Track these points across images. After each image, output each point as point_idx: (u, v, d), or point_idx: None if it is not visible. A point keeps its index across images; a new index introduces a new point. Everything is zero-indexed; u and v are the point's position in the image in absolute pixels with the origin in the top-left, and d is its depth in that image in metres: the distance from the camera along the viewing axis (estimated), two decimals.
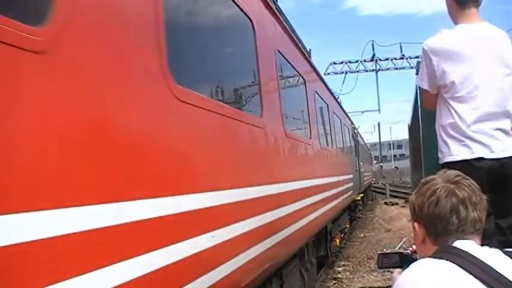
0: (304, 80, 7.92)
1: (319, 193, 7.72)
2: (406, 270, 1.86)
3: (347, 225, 15.08)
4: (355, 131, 21.61)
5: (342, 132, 14.29)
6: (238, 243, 3.59)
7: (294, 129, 6.44)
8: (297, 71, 7.15)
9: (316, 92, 9.19)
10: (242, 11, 4.26)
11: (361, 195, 19.75)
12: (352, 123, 20.77)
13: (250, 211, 3.94)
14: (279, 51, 5.74)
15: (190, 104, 2.94)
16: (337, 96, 16.17)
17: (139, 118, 2.42)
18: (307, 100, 8.03)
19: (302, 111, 7.63)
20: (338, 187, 10.76)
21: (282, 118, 5.49)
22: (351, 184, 14.16)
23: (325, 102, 10.70)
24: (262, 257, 4.14)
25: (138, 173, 2.33)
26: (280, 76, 5.74)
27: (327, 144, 10.06)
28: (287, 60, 6.34)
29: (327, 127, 10.79)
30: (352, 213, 17.00)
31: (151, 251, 2.33)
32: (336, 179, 10.53)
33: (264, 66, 4.94)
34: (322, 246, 9.82)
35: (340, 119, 14.28)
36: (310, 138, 7.67)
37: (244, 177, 3.95)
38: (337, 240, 12.06)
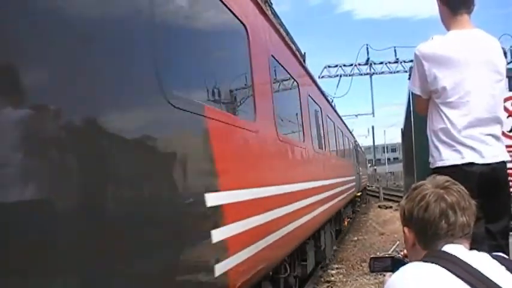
0: (320, 108, 11.16)
1: (338, 187, 12.37)
2: (395, 273, 1.89)
3: (351, 214, 20.67)
4: (356, 143, 28.44)
5: (349, 146, 20.51)
6: (297, 215, 6.20)
7: (328, 149, 11.63)
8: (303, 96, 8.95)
9: (328, 116, 12.85)
10: (236, 17, 4.32)
11: (360, 193, 25.46)
12: (353, 136, 27.30)
13: (304, 195, 6.89)
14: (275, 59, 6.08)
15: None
16: (331, 100, 18.07)
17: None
18: (335, 131, 14.25)
19: (328, 137, 12.10)
20: (347, 184, 15.51)
21: (323, 140, 10.51)
22: (354, 183, 19.02)
23: (340, 129, 16.19)
24: (314, 221, 7.97)
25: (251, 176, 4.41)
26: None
27: (339, 155, 15.13)
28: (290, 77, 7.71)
29: (342, 145, 16.94)
30: (353, 206, 21.99)
31: (253, 216, 4.17)
32: (346, 179, 15.34)
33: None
34: (337, 223, 14.89)
35: (348, 138, 20.30)
36: (337, 154, 14.46)
37: (297, 176, 6.66)
38: (346, 222, 17.55)
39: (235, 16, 4.31)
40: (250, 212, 4.14)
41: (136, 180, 2.49)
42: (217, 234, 3.29)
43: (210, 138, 3.42)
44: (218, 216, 3.37)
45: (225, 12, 4.07)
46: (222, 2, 3.93)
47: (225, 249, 3.44)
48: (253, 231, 4.14)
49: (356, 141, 29.74)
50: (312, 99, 9.86)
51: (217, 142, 3.53)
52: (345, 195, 14.46)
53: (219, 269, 3.30)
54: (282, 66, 6.70)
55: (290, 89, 7.77)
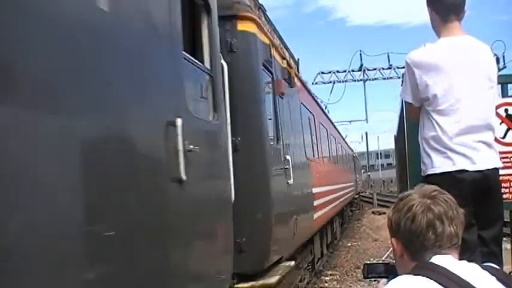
0: (332, 135, 17.44)
1: (345, 189, 18.93)
2: (386, 287, 1.87)
3: (350, 211, 25.41)
4: (354, 156, 32.77)
5: (349, 160, 25.88)
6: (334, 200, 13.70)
7: (339, 163, 18.92)
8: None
9: (335, 138, 18.31)
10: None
11: (356, 195, 29.70)
12: (350, 148, 32.19)
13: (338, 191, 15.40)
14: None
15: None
16: (324, 107, 20.12)
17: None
18: (341, 148, 21.08)
19: (337, 154, 18.46)
20: (350, 188, 21.78)
21: (336, 157, 17.61)
22: (353, 188, 24.87)
23: (341, 145, 21.70)
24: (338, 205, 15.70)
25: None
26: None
27: (344, 166, 21.74)
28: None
29: (346, 159, 23.87)
30: (351, 207, 25.98)
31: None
32: (349, 184, 21.56)
33: None
34: (342, 217, 19.88)
35: (347, 151, 26.32)
36: (343, 165, 20.95)
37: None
38: (350, 213, 25.28)
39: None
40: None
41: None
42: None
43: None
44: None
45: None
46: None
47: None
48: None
49: (353, 151, 34.48)
50: (324, 127, 14.33)
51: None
52: (349, 194, 21.29)
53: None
54: (307, 108, 10.41)
55: (313, 124, 11.58)
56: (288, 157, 6.59)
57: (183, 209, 3.37)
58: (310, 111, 10.73)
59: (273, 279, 5.21)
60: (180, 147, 3.14)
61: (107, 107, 2.55)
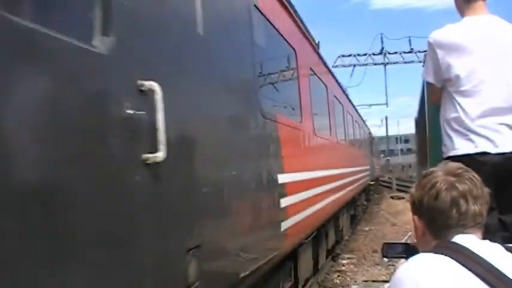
0: (342, 105, 13.63)
1: (358, 173, 16.48)
2: (405, 265, 1.84)
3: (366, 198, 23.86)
4: (371, 136, 31.29)
5: (365, 142, 24.33)
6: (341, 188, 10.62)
7: (349, 140, 15.15)
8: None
9: (349, 112, 15.66)
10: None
11: (373, 182, 27.99)
12: (368, 128, 29.94)
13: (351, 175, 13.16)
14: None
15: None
16: (345, 89, 18.64)
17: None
18: (353, 125, 17.24)
19: (348, 130, 14.92)
20: (363, 172, 18.92)
21: (345, 133, 13.93)
22: (368, 172, 22.22)
23: (357, 122, 19.64)
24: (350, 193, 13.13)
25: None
26: None
27: (355, 146, 18.10)
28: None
29: (359, 136, 20.26)
30: (366, 195, 23.98)
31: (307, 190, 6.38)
32: (361, 168, 18.27)
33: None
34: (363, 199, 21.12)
35: (363, 131, 23.81)
36: (354, 145, 17.29)
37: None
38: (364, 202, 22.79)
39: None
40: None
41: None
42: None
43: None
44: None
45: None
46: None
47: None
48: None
49: (371, 133, 32.32)
50: (337, 98, 12.00)
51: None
52: (362, 180, 18.60)
53: None
54: (317, 75, 8.75)
55: (322, 93, 9.58)
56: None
57: None
58: (322, 82, 9.64)
59: None
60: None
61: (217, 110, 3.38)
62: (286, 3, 6.12)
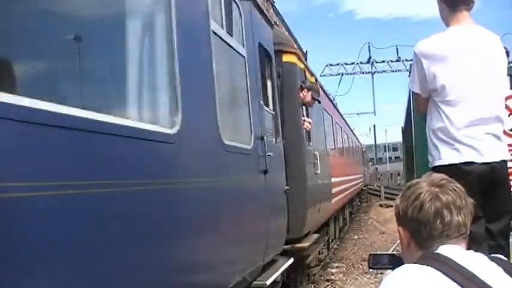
0: (346, 134, 20.41)
1: (356, 179, 21.62)
2: (389, 276, 1.85)
3: (359, 202, 27.59)
4: (362, 148, 33.57)
5: (358, 155, 27.50)
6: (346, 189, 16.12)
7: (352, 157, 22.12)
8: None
9: (348, 136, 21.07)
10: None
11: (364, 187, 31.15)
12: (359, 142, 32.86)
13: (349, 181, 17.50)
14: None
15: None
16: (332, 98, 20.01)
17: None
18: (352, 144, 23.13)
19: (349, 149, 20.78)
20: (359, 179, 23.70)
21: (349, 152, 20.58)
22: (362, 180, 26.57)
23: (352, 140, 23.89)
24: (350, 194, 17.86)
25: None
26: None
27: (355, 159, 23.96)
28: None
29: (356, 152, 25.21)
30: (359, 198, 27.48)
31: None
32: (358, 175, 23.73)
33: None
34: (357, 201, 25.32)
35: (362, 150, 31.27)
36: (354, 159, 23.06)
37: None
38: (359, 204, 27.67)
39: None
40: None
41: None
42: None
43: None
44: None
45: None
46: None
47: None
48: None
49: (362, 146, 35.86)
50: (339, 125, 16.63)
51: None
52: (358, 185, 23.45)
53: None
54: (327, 111, 12.90)
55: (331, 124, 13.91)
56: (316, 153, 8.74)
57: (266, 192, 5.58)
58: (329, 114, 13.39)
59: (306, 244, 7.68)
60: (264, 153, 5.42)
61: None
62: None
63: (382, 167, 72.38)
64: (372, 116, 47.60)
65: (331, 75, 33.94)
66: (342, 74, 33.79)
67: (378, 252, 2.87)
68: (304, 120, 8.03)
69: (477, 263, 1.79)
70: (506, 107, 5.02)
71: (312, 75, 10.24)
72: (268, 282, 5.22)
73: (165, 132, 3.03)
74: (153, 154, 2.92)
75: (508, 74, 5.27)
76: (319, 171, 8.79)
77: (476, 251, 1.93)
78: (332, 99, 19.29)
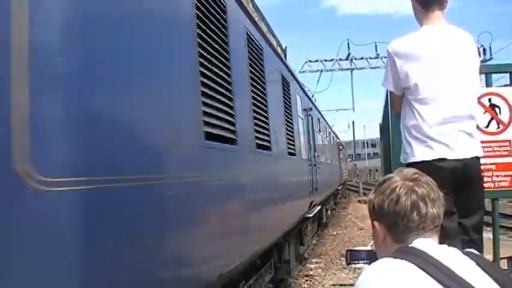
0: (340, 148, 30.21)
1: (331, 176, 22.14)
2: (365, 271, 1.88)
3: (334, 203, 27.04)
4: (340, 147, 32.53)
5: (333, 150, 26.66)
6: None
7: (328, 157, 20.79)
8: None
9: (326, 133, 21.41)
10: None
11: (341, 186, 30.58)
12: (337, 137, 32.63)
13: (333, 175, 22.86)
14: None
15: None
16: (311, 95, 20.34)
17: None
18: (330, 142, 23.55)
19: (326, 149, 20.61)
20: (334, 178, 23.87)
21: (327, 153, 20.98)
22: (338, 179, 27.05)
23: (330, 139, 24.18)
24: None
25: None
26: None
27: (330, 160, 22.35)
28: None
29: (331, 151, 23.89)
30: (335, 199, 26.93)
31: None
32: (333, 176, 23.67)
33: None
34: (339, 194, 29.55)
35: (339, 144, 31.26)
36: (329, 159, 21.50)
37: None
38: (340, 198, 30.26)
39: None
40: None
41: None
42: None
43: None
44: None
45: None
46: None
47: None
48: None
49: (340, 142, 35.19)
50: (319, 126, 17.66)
51: None
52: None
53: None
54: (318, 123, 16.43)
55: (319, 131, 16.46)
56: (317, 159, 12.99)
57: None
58: (318, 124, 16.23)
59: (311, 214, 11.23)
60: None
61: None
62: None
63: (360, 163, 72.83)
64: (350, 112, 47.85)
65: (310, 71, 34.04)
66: (321, 71, 33.90)
67: (355, 248, 2.91)
68: None
69: (451, 257, 1.84)
70: (481, 104, 5.09)
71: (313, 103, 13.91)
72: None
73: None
74: None
75: (483, 72, 5.36)
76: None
77: (449, 245, 1.97)
78: (311, 95, 19.79)
